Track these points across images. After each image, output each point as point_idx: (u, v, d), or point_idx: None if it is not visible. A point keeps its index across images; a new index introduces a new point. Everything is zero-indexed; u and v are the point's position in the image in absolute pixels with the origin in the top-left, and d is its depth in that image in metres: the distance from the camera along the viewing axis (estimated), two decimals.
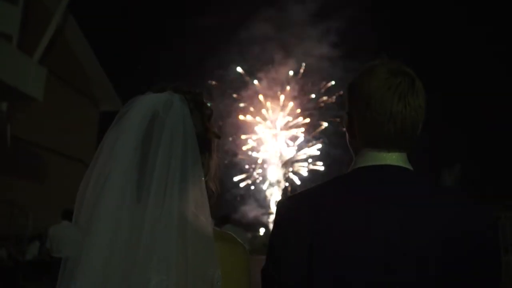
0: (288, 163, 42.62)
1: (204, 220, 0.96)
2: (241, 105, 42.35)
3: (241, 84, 41.71)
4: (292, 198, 1.16)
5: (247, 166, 43.18)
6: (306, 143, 42.49)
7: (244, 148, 42.51)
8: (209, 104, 1.14)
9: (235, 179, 41.43)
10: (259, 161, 42.96)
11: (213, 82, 39.90)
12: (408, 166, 1.10)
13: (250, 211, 39.90)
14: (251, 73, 41.68)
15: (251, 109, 42.23)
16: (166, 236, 0.90)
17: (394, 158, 1.09)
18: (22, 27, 13.03)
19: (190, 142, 0.98)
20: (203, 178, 1.00)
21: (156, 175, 0.94)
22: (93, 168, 0.97)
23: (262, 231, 38.44)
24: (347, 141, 1.19)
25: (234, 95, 41.73)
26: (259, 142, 42.85)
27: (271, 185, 42.80)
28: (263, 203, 44.09)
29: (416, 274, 0.96)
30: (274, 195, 42.63)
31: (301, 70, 41.77)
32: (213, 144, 1.12)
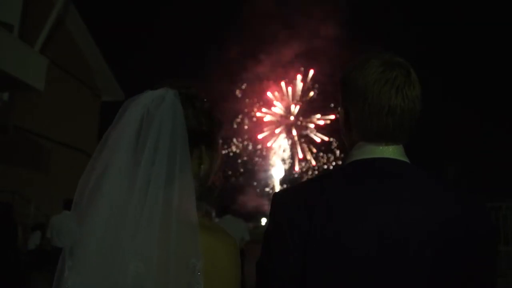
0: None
1: (190, 211, 1.00)
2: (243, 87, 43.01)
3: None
4: (289, 191, 1.15)
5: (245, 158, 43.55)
6: None
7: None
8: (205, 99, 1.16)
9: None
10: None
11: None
12: (404, 158, 1.10)
13: (250, 201, 40.06)
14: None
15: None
16: (148, 225, 0.97)
17: (390, 151, 1.09)
18: (23, 17, 13.00)
19: (180, 136, 1.04)
20: (190, 171, 1.04)
21: (142, 168, 1.01)
22: (96, 161, 1.05)
23: (263, 221, 38.58)
24: (342, 135, 1.18)
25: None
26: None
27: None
28: (263, 193, 44.32)
29: (412, 270, 0.95)
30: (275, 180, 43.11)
31: None
32: (214, 137, 1.15)
